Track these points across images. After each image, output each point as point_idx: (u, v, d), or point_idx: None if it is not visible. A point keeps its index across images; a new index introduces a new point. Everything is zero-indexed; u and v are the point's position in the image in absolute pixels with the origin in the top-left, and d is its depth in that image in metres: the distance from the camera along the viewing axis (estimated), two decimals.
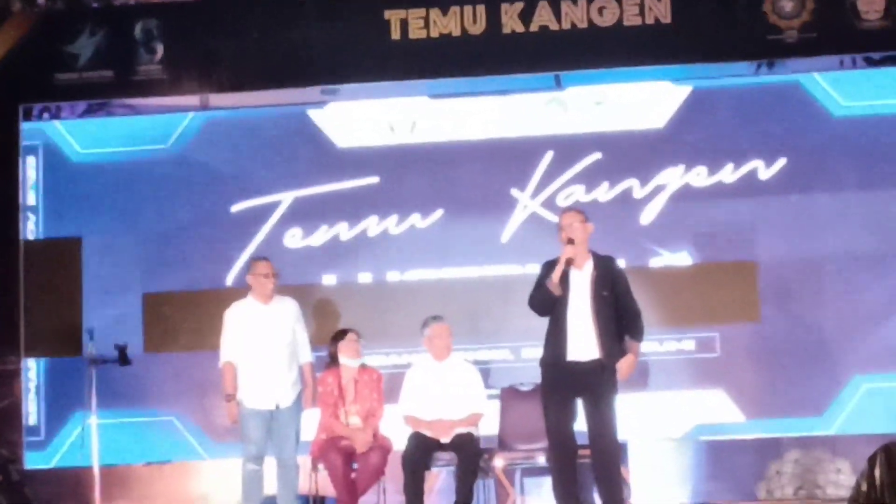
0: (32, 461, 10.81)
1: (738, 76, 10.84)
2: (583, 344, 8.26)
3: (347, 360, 9.28)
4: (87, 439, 10.21)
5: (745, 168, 10.67)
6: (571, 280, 8.31)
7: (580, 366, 8.25)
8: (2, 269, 10.91)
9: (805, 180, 10.62)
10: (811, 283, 10.54)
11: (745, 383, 10.51)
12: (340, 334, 9.42)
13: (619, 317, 8.35)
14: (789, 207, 10.61)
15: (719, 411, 10.50)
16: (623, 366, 8.27)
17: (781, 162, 10.64)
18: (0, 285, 10.90)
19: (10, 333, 10.86)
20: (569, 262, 8.24)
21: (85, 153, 11.19)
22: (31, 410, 10.97)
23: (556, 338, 8.33)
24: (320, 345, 9.60)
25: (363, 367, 9.37)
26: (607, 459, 8.29)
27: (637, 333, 8.42)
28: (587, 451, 8.40)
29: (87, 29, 11.00)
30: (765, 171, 10.65)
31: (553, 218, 10.38)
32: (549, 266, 8.37)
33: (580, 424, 8.38)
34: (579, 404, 8.36)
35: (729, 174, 10.69)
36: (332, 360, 9.37)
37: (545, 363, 8.41)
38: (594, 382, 8.24)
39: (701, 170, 10.71)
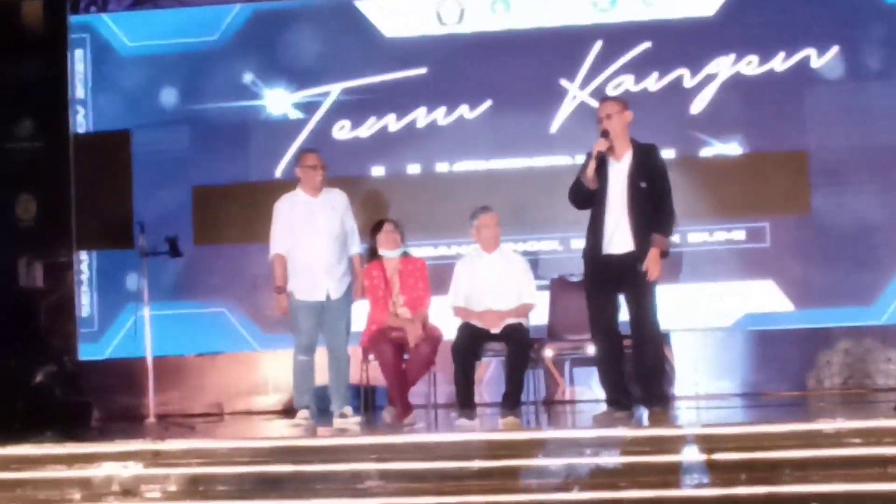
0: (86, 352, 10.95)
1: None
2: (618, 237, 8.25)
3: (386, 252, 9.28)
4: (140, 330, 10.31)
5: (797, 56, 10.55)
6: (610, 171, 8.27)
7: (616, 259, 8.25)
8: (52, 163, 10.96)
9: (857, 68, 10.50)
10: (862, 173, 10.46)
11: (795, 273, 10.47)
12: (377, 226, 9.41)
13: (655, 208, 8.28)
14: (841, 96, 10.50)
15: (769, 301, 10.47)
16: (648, 264, 8.17)
17: (834, 50, 10.51)
18: (51, 179, 10.97)
19: (61, 227, 10.94)
20: (601, 155, 8.17)
21: (133, 46, 11.18)
22: (84, 302, 11.08)
23: (593, 231, 8.34)
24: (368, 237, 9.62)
25: (406, 256, 9.36)
26: (648, 350, 8.29)
27: (661, 225, 8.28)
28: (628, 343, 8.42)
29: None
30: (817, 60, 10.53)
31: None
32: (590, 157, 8.32)
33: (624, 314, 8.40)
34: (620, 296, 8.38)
35: (780, 63, 10.57)
36: (373, 253, 9.37)
37: (585, 256, 8.43)
38: (631, 275, 8.22)
39: (752, 58, 10.59)
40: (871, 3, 10.49)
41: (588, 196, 8.26)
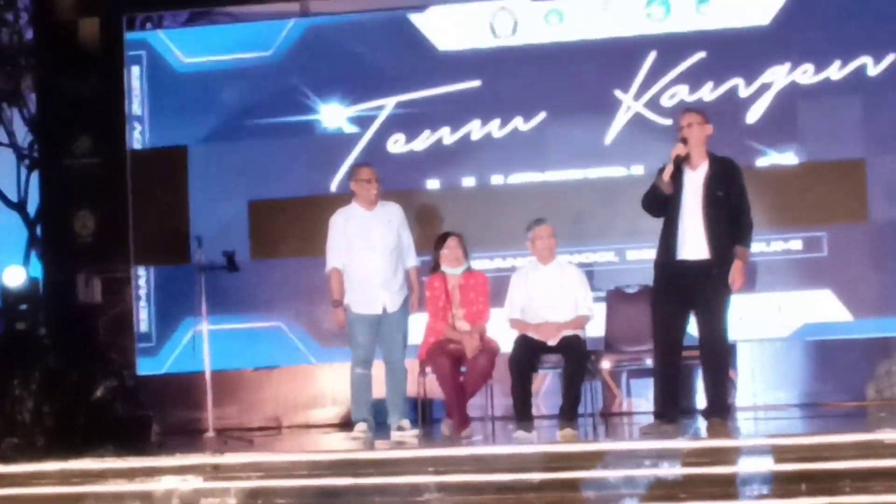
0: (144, 367, 11.03)
1: None
2: (693, 243, 8.25)
3: (448, 269, 9.28)
4: (198, 345, 10.37)
5: (853, 65, 10.48)
6: (685, 180, 8.29)
7: (690, 265, 8.24)
8: (110, 179, 11.07)
9: None
10: None
11: (854, 283, 10.39)
12: (441, 241, 9.39)
13: (732, 219, 8.29)
14: None
15: (827, 311, 10.40)
16: (735, 274, 8.23)
17: (890, 58, 10.43)
18: (108, 195, 11.07)
19: (119, 242, 11.04)
20: (679, 161, 8.18)
21: (188, 62, 11.26)
22: (143, 317, 11.16)
23: (667, 237, 8.34)
24: (425, 250, 9.60)
25: (469, 270, 9.37)
26: (717, 362, 8.31)
27: (743, 238, 8.35)
28: (691, 353, 8.39)
29: None
30: (873, 68, 10.46)
31: (657, 119, 10.35)
32: (663, 168, 8.33)
33: (691, 326, 8.38)
34: (690, 310, 8.35)
35: (836, 71, 10.51)
36: (436, 266, 9.38)
37: (657, 264, 8.44)
38: (705, 283, 8.22)
39: (808, 67, 10.54)
40: None
41: (664, 201, 8.26)
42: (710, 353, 8.27)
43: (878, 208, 10.41)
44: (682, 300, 8.30)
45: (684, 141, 8.24)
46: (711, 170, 8.30)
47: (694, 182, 8.28)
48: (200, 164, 11.13)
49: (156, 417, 10.30)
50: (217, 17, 11.43)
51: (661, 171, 8.31)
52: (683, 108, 9.02)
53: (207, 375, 10.27)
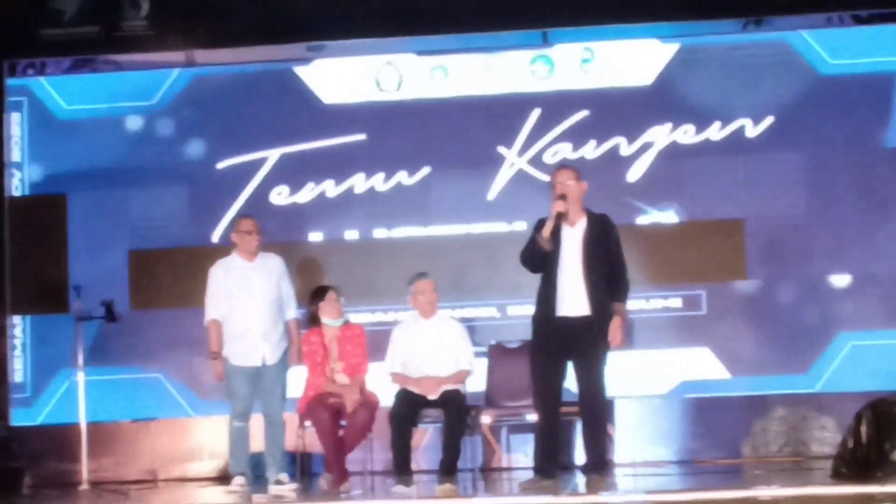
0: (19, 418, 10.81)
1: (725, 34, 10.84)
2: (573, 300, 8.28)
3: (329, 321, 9.26)
4: (74, 396, 10.21)
5: (733, 126, 10.66)
6: (563, 237, 8.33)
7: (570, 322, 8.27)
8: None
9: (792, 138, 10.61)
10: (797, 241, 10.56)
11: (731, 341, 10.52)
12: (319, 293, 9.38)
13: (610, 275, 8.35)
14: (776, 165, 10.61)
15: (705, 369, 10.52)
16: (614, 331, 8.27)
17: (769, 120, 10.63)
18: None
19: None
20: (559, 218, 8.24)
21: (70, 109, 11.14)
22: (18, 367, 10.95)
23: (546, 294, 8.36)
24: (307, 302, 9.57)
25: (347, 323, 9.36)
26: (595, 417, 8.34)
27: (621, 295, 8.41)
28: (571, 409, 8.42)
29: None
30: (752, 129, 10.65)
31: (540, 176, 10.42)
32: (540, 224, 8.37)
33: (569, 381, 8.40)
34: (568, 364, 8.38)
35: (716, 132, 10.68)
36: (313, 320, 9.34)
37: (536, 320, 8.45)
38: (584, 340, 8.26)
39: (688, 128, 10.70)
40: (806, 74, 10.63)
41: (543, 258, 8.29)
42: (589, 408, 8.30)
43: (755, 267, 10.56)
44: (561, 356, 8.33)
45: (563, 198, 8.29)
46: (589, 227, 8.37)
47: (572, 239, 8.34)
48: (80, 213, 11.00)
49: (29, 469, 10.16)
50: (101, 65, 11.29)
51: (539, 226, 8.35)
52: (558, 166, 9.09)
53: (83, 427, 10.12)
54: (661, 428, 10.59)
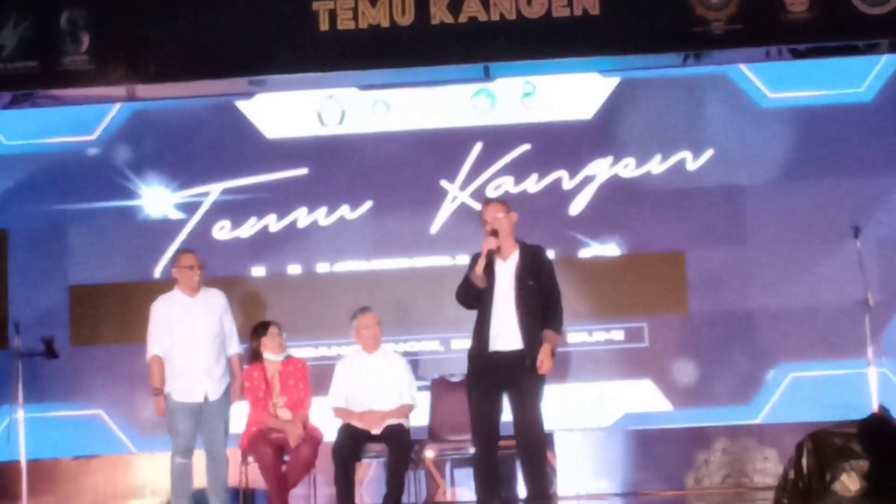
0: None
1: (665, 67, 10.92)
2: (505, 334, 8.28)
3: (271, 356, 9.24)
4: (14, 433, 10.12)
5: (674, 159, 10.73)
6: (497, 271, 8.33)
7: (503, 356, 8.26)
8: None
9: (732, 171, 10.69)
10: (738, 273, 10.62)
11: (673, 373, 10.56)
12: (261, 328, 9.37)
13: (544, 307, 8.36)
14: (717, 198, 10.68)
15: (647, 401, 10.55)
16: (542, 358, 8.23)
17: (709, 153, 10.71)
18: None
19: None
20: (492, 254, 8.25)
21: (10, 144, 11.06)
22: None
23: (480, 329, 8.36)
24: (248, 337, 9.53)
25: (288, 357, 9.34)
26: (533, 451, 8.30)
27: (554, 322, 8.38)
28: (511, 443, 8.42)
29: (11, 19, 10.82)
30: (692, 162, 10.72)
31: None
32: (476, 258, 8.38)
33: (506, 415, 8.40)
34: (505, 396, 8.38)
35: (657, 165, 10.75)
36: (255, 355, 9.31)
37: (470, 355, 8.44)
38: (518, 373, 8.24)
39: (629, 161, 10.76)
40: (746, 107, 10.72)
41: (478, 295, 8.30)
42: (527, 442, 8.27)
43: (697, 299, 10.62)
44: (496, 390, 8.31)
45: (494, 233, 8.30)
46: (522, 259, 8.36)
47: (505, 272, 8.34)
48: (20, 248, 10.91)
49: None
50: (41, 99, 11.24)
51: (474, 260, 8.36)
52: (485, 200, 9.06)
53: (23, 464, 10.03)
54: (604, 460, 10.61)
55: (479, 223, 8.49)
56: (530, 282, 8.32)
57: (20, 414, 10.10)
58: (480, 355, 8.31)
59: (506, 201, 8.57)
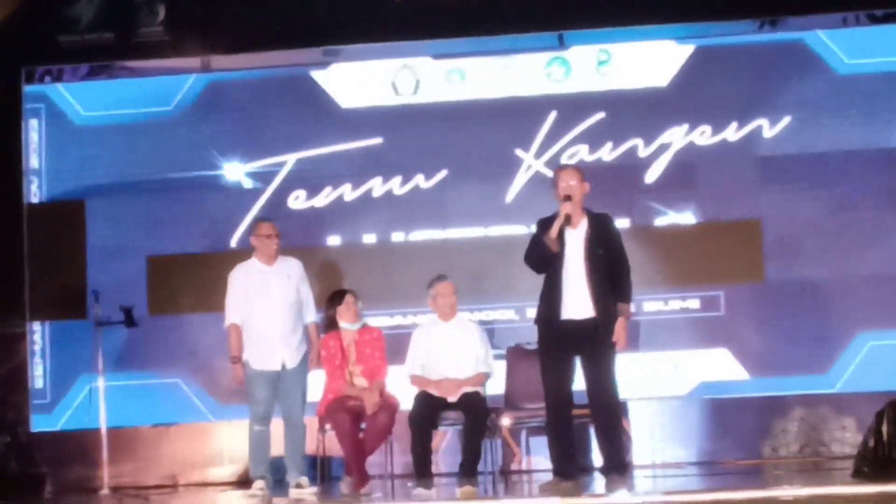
0: (38, 424, 10.84)
1: (741, 34, 10.82)
2: (577, 302, 8.26)
3: (346, 325, 9.27)
4: (94, 402, 10.24)
5: (750, 126, 10.66)
6: (566, 238, 8.31)
7: (575, 324, 8.25)
8: (5, 233, 10.92)
9: (809, 138, 10.60)
10: (815, 241, 10.55)
11: (750, 342, 10.52)
12: (337, 297, 9.38)
13: (613, 275, 8.34)
14: (794, 165, 10.60)
15: (723, 370, 10.51)
16: (619, 332, 8.24)
17: (786, 120, 10.63)
18: (4, 249, 10.91)
19: (14, 297, 10.88)
20: (567, 219, 8.22)
21: (88, 115, 11.17)
22: (37, 374, 10.98)
23: (550, 296, 8.34)
24: (324, 306, 9.57)
25: (364, 326, 9.37)
26: (607, 417, 8.30)
27: (624, 294, 8.37)
28: (586, 411, 8.42)
29: None
30: (769, 130, 10.65)
31: None
32: (543, 224, 8.38)
33: (579, 383, 8.40)
34: (577, 362, 8.38)
35: (733, 133, 10.68)
36: (331, 324, 9.35)
37: (540, 321, 8.42)
38: (590, 341, 8.24)
39: (705, 129, 10.70)
40: (824, 74, 10.63)
41: (550, 259, 8.27)
42: (601, 410, 8.27)
43: (773, 268, 10.55)
44: (569, 357, 8.32)
45: (568, 198, 8.28)
46: (591, 228, 8.34)
47: (575, 240, 8.31)
48: (98, 219, 11.03)
49: (50, 475, 10.18)
50: (117, 71, 11.32)
51: (541, 227, 8.35)
52: (561, 167, 9.06)
53: (103, 432, 10.15)
54: (680, 429, 10.58)
55: (554, 193, 8.47)
56: (600, 250, 8.29)
57: (100, 382, 10.21)
58: (551, 322, 8.30)
59: (580, 169, 8.53)
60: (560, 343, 8.29)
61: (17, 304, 10.89)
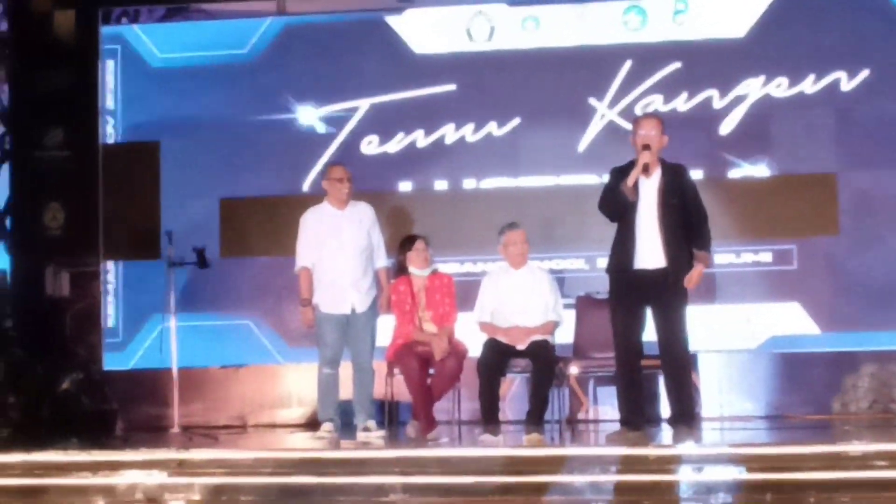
0: (111, 362, 10.96)
1: None
2: (650, 252, 8.26)
3: (416, 270, 9.29)
4: (165, 341, 10.33)
5: (827, 79, 10.53)
6: (640, 188, 8.28)
7: (647, 274, 8.25)
8: (81, 173, 11.01)
9: (888, 92, 10.46)
10: (891, 197, 10.43)
11: (822, 297, 10.44)
12: (408, 242, 9.40)
13: (686, 226, 8.31)
14: (871, 119, 10.47)
15: (795, 324, 10.44)
16: (693, 275, 8.26)
17: (864, 73, 10.49)
18: (79, 189, 11.02)
19: (89, 236, 10.99)
20: (645, 168, 8.18)
21: (163, 58, 11.21)
22: (110, 313, 11.10)
23: (623, 245, 8.34)
24: (395, 251, 9.59)
25: (435, 272, 9.38)
26: (677, 368, 8.31)
27: (703, 242, 8.36)
28: (655, 362, 8.41)
29: None
30: (847, 83, 10.51)
31: (631, 128, 10.34)
32: (618, 172, 8.37)
33: (649, 334, 8.38)
34: (648, 313, 8.36)
35: (810, 85, 10.56)
36: (401, 269, 9.37)
37: (612, 270, 8.43)
38: (662, 291, 8.25)
39: (782, 80, 10.59)
40: None
41: (626, 207, 8.25)
42: (671, 361, 8.28)
43: (848, 222, 10.45)
44: (640, 308, 8.33)
45: (647, 147, 8.24)
46: (665, 177, 8.31)
47: (648, 190, 8.28)
48: (173, 160, 11.09)
49: (121, 413, 10.30)
50: (193, 13, 11.38)
51: (616, 174, 8.31)
52: (642, 115, 9.02)
53: (174, 372, 10.26)
54: (748, 383, 10.53)
55: (627, 142, 8.44)
56: (673, 200, 8.28)
57: (172, 322, 10.30)
58: (624, 272, 8.29)
59: (662, 120, 8.48)
60: (632, 293, 8.28)
61: (91, 243, 10.99)
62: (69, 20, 11.07)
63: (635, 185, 8.21)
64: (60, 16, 11.07)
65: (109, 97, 11.24)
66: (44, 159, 10.99)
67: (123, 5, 11.34)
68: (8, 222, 11.63)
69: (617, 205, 8.30)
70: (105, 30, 11.25)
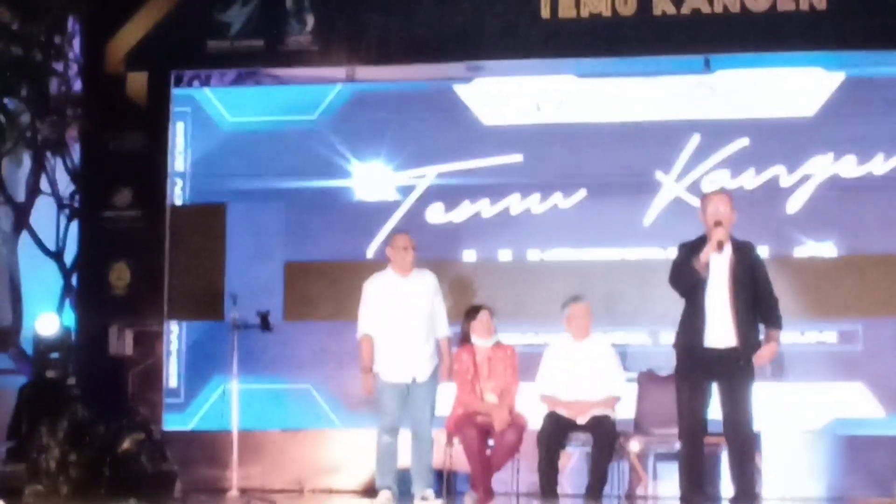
0: (171, 422, 10.99)
1: (892, 65, 10.62)
2: (720, 330, 8.18)
3: (480, 341, 9.30)
4: (227, 403, 10.35)
5: None
6: (711, 264, 8.23)
7: (717, 353, 8.18)
8: (149, 233, 11.09)
9: None
10: None
11: (888, 378, 10.33)
12: (472, 312, 9.42)
13: (756, 304, 8.25)
14: None
15: (859, 405, 10.34)
16: (764, 353, 8.20)
17: None
18: (146, 249, 11.09)
19: (154, 296, 11.05)
20: (719, 245, 8.13)
21: (233, 121, 11.32)
22: (172, 372, 11.14)
23: (693, 322, 8.26)
24: (457, 320, 9.59)
25: (498, 343, 9.37)
26: (742, 448, 8.22)
27: (776, 321, 8.30)
28: (717, 439, 8.34)
29: None
30: None
31: (697, 202, 10.29)
32: (687, 248, 8.30)
33: (713, 412, 8.32)
34: (714, 391, 8.30)
35: (879, 165, 10.51)
36: (465, 338, 9.38)
37: (681, 346, 8.35)
38: (731, 370, 8.17)
39: (850, 159, 10.55)
40: None
41: (697, 283, 8.19)
42: (737, 440, 8.19)
43: None
44: (707, 385, 8.24)
45: (719, 224, 8.19)
46: (736, 255, 8.25)
47: (719, 267, 8.22)
48: (239, 223, 11.17)
49: (180, 474, 10.30)
50: (264, 78, 11.49)
51: (686, 249, 8.27)
52: (713, 191, 8.96)
53: (235, 434, 10.26)
54: (812, 464, 10.40)
55: (693, 217, 8.41)
56: (743, 278, 8.22)
57: (234, 384, 10.32)
58: (694, 349, 8.22)
59: (731, 197, 8.43)
60: (700, 370, 8.22)
61: (156, 303, 11.06)
62: (142, 82, 11.20)
63: (707, 262, 8.17)
64: (133, 77, 11.21)
65: (179, 158, 11.34)
66: (112, 219, 11.09)
67: (195, 68, 11.43)
68: (74, 280, 11.70)
69: (689, 281, 8.24)
70: (177, 91, 11.35)
